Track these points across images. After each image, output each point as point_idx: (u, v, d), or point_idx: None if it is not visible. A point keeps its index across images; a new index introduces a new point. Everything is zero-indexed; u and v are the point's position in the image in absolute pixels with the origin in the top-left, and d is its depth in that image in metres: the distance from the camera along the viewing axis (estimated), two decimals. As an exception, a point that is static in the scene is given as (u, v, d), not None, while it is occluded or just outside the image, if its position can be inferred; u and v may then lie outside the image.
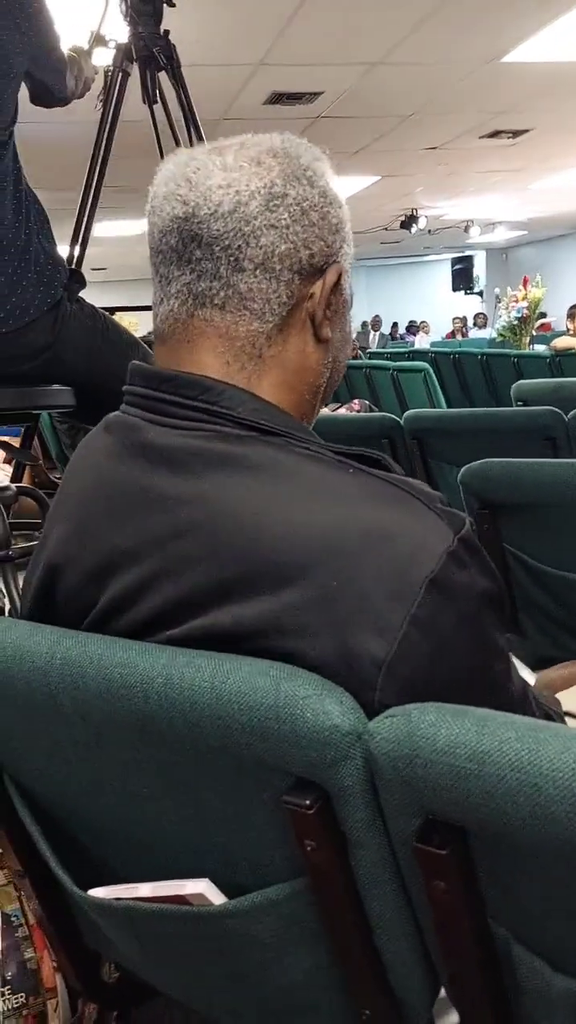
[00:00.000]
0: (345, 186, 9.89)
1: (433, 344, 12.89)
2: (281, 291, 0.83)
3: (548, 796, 0.56)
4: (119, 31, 2.15)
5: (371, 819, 0.68)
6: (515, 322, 8.17)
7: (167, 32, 2.15)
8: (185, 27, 4.39)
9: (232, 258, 0.82)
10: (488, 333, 13.56)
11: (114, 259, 13.95)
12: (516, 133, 7.66)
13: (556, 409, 2.22)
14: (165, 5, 2.13)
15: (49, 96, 1.95)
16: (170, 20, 2.21)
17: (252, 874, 0.79)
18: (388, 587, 0.70)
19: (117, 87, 2.16)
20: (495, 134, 7.63)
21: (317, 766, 0.68)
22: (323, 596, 0.71)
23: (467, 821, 0.63)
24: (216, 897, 0.77)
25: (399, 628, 0.69)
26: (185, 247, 0.83)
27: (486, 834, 0.63)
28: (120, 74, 2.15)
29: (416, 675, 0.70)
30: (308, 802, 0.68)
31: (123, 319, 4.48)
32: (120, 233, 10.95)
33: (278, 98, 6.06)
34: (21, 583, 1.01)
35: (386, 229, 12.86)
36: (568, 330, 7.13)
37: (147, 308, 0.92)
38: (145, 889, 0.80)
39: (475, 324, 15.97)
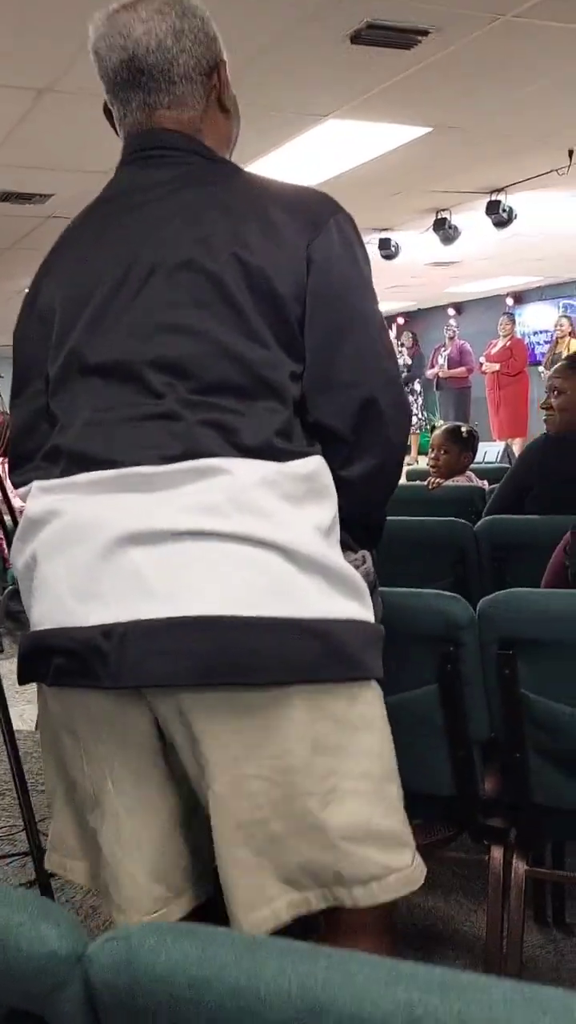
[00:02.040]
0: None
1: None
2: (198, 88, 1.28)
3: (267, 1021, 0.57)
4: None
5: (91, 1046, 0.65)
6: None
7: None
8: None
9: (166, 76, 1.26)
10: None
11: None
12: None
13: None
14: None
15: None
16: None
17: None
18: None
19: None
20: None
21: (34, 995, 0.64)
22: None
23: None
24: None
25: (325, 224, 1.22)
26: (134, 77, 1.26)
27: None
28: None
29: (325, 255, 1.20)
30: (23, 1036, 0.64)
31: None
32: None
33: (7, 196, 6.02)
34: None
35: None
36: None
37: None
38: None
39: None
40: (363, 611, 1.21)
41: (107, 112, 1.35)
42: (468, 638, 1.65)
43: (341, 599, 1.17)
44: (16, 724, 3.58)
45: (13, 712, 3.74)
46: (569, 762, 1.65)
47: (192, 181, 1.26)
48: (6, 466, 4.66)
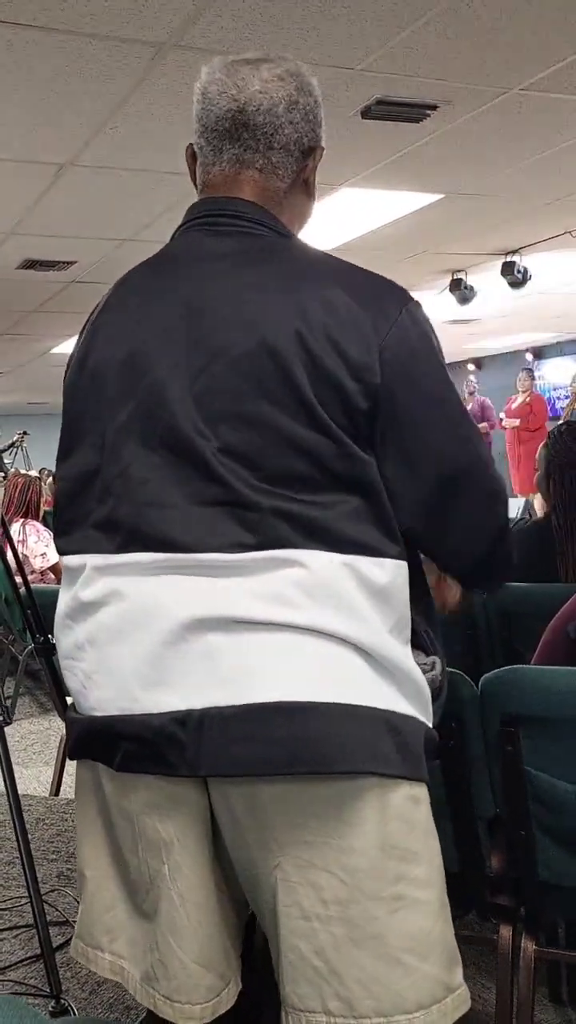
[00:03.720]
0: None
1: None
2: (293, 163, 1.27)
3: None
4: None
5: None
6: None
7: None
8: None
9: (267, 140, 1.25)
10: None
11: None
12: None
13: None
14: None
15: None
16: None
17: None
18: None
19: None
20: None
21: None
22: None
23: None
24: None
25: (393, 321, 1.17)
26: (236, 130, 1.25)
27: None
28: None
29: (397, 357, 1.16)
30: None
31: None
32: None
33: (31, 264, 6.17)
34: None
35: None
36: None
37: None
38: None
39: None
40: (423, 715, 1.19)
41: (190, 157, 1.33)
42: (470, 714, 1.65)
43: (404, 700, 1.16)
44: (32, 787, 3.58)
45: (29, 774, 3.74)
46: (573, 840, 1.63)
47: (260, 258, 1.22)
48: (24, 528, 4.67)
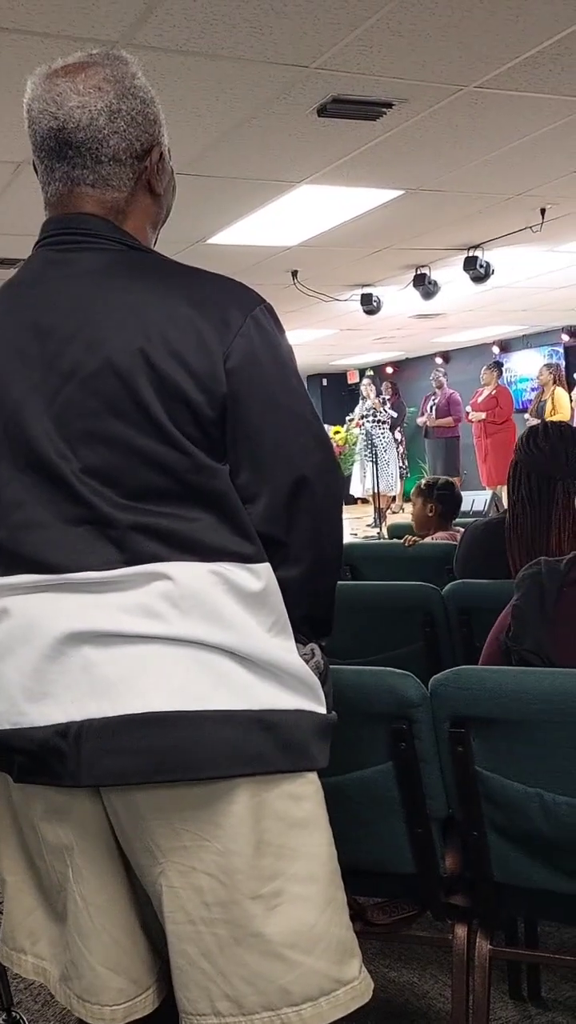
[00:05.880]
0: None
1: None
2: (127, 171, 1.25)
3: None
4: None
5: None
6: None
7: None
8: None
9: (93, 155, 1.22)
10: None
11: None
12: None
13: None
14: None
15: None
16: None
17: None
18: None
19: None
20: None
21: None
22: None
23: None
24: None
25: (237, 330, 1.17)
26: (61, 148, 1.22)
27: None
28: None
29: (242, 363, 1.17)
30: None
31: None
32: None
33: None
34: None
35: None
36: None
37: None
38: None
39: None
40: (312, 703, 1.21)
41: (35, 168, 1.32)
42: (421, 716, 1.65)
43: (288, 692, 1.18)
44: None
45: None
46: (525, 840, 1.64)
47: (104, 274, 1.22)
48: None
